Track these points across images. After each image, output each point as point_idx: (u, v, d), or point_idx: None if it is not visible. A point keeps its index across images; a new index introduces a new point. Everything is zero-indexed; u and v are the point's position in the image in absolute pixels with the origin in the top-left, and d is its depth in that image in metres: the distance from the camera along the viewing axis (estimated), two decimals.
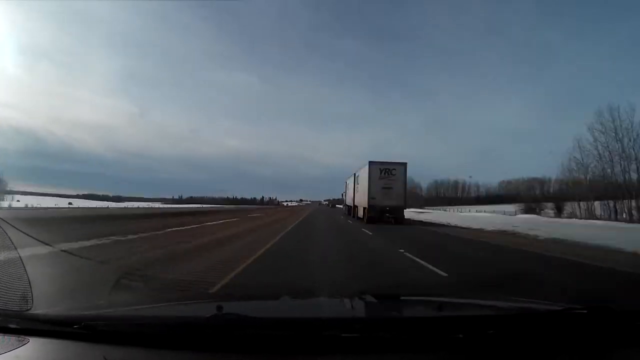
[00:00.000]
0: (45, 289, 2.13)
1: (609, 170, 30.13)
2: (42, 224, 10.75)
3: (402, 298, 2.19)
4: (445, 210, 54.49)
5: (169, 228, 12.21)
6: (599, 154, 30.61)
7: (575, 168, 32.69)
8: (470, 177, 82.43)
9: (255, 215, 26.89)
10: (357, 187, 16.16)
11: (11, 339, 1.16)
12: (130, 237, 9.22)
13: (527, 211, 41.69)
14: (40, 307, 1.40)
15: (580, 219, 26.02)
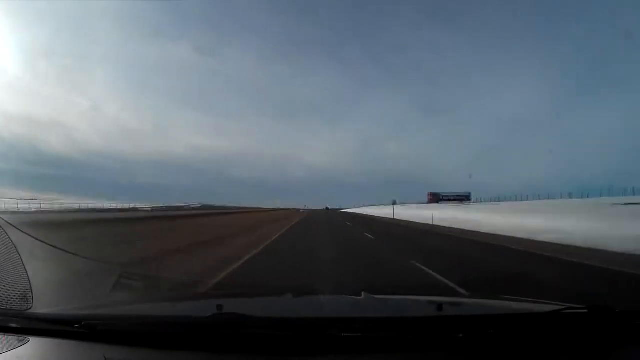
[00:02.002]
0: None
1: None
2: None
3: (403, 297, 2.19)
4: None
5: None
6: None
7: None
8: (470, 177, 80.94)
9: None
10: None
11: (11, 338, 1.17)
12: None
13: None
14: (41, 307, 1.40)
15: None
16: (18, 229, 2.66)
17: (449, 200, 72.49)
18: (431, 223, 22.37)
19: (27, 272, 1.67)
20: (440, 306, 1.60)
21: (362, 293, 1.84)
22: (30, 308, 1.38)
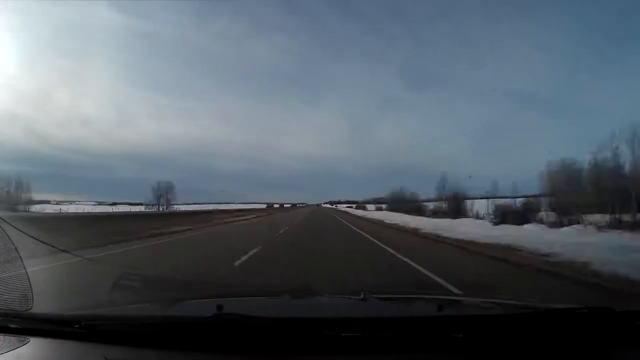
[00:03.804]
0: None
1: None
2: None
3: (403, 297, 2.19)
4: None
5: None
6: None
7: None
8: (470, 177, 79.08)
9: None
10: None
11: (12, 338, 1.17)
12: None
13: None
14: (41, 307, 1.40)
15: None
16: (18, 229, 2.66)
17: None
18: None
19: (27, 272, 1.67)
20: (440, 306, 1.61)
21: (362, 293, 1.84)
22: (30, 308, 1.39)
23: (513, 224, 14.86)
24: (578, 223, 14.00)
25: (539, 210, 19.71)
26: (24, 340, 1.15)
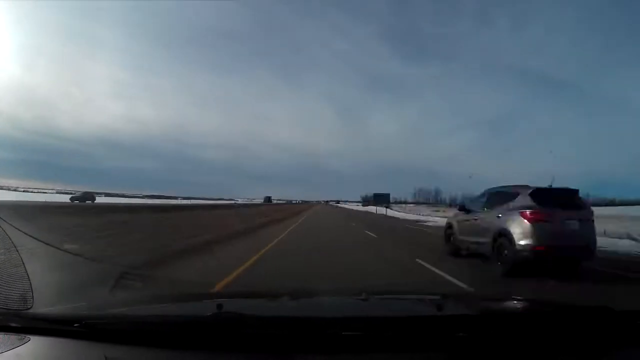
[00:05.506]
0: None
1: None
2: None
3: (404, 296, 2.19)
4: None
5: None
6: None
7: None
8: (470, 177, 78.99)
9: None
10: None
11: (12, 337, 1.17)
12: None
13: None
14: (41, 306, 1.40)
15: None
16: (18, 229, 2.66)
17: None
18: None
19: (27, 272, 1.67)
20: (441, 306, 1.61)
21: (363, 293, 1.84)
22: (30, 307, 1.39)
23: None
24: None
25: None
26: (23, 339, 1.15)
